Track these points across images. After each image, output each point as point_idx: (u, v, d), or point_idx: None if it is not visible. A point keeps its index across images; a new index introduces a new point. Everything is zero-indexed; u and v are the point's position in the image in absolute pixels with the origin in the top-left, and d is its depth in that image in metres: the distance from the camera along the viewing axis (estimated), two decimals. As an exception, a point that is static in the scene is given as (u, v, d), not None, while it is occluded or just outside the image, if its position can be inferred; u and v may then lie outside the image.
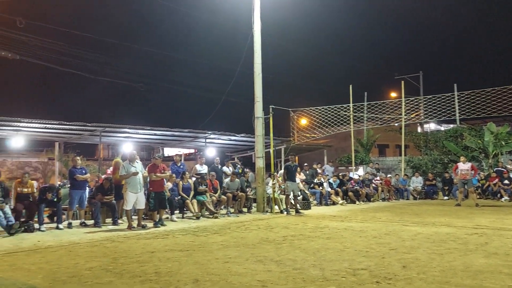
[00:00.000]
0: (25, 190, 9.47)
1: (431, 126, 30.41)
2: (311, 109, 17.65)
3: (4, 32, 17.03)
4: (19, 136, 16.18)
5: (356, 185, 16.52)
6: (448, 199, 17.75)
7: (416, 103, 19.55)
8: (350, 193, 16.07)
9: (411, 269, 4.82)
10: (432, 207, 14.10)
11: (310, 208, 13.47)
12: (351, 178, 16.95)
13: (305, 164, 17.10)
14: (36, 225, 9.07)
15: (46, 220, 9.81)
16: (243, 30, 14.86)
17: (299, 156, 22.41)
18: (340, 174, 17.70)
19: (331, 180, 16.34)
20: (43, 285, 4.46)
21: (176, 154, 14.06)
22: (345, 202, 15.67)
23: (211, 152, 19.61)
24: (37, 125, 13.93)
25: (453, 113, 18.45)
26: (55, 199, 9.64)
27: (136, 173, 9.35)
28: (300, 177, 14.57)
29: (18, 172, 21.49)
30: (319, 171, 17.02)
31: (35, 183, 10.41)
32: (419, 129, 29.30)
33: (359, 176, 18.23)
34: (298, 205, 12.55)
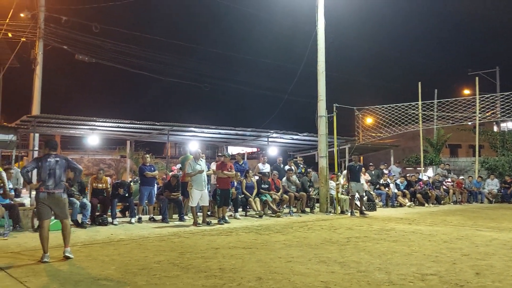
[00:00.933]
0: (100, 185, 10.08)
1: (509, 125, 28.46)
2: (377, 107, 17.14)
3: (81, 37, 18.24)
4: (94, 135, 17.16)
5: (425, 186, 15.84)
6: (528, 203, 16.60)
7: (492, 100, 18.39)
8: (418, 195, 15.44)
9: (486, 276, 4.54)
10: (510, 211, 13.21)
11: (375, 210, 13.11)
12: (419, 180, 16.28)
13: (370, 164, 16.66)
14: (109, 219, 9.62)
15: (118, 214, 10.38)
16: (306, 29, 14.76)
17: (364, 156, 21.87)
18: (407, 175, 17.06)
19: (398, 181, 15.79)
20: (116, 276, 4.71)
21: (238, 153, 14.24)
22: (413, 204, 15.08)
23: (273, 151, 19.67)
24: (110, 124, 14.69)
25: (534, 111, 17.09)
26: (126, 194, 10.17)
27: (201, 171, 9.66)
28: (365, 177, 14.23)
29: (94, 168, 22.89)
30: (385, 171, 16.51)
31: (108, 179, 11.03)
32: (495, 128, 27.55)
33: (429, 177, 17.47)
34: (362, 206, 12.26)
